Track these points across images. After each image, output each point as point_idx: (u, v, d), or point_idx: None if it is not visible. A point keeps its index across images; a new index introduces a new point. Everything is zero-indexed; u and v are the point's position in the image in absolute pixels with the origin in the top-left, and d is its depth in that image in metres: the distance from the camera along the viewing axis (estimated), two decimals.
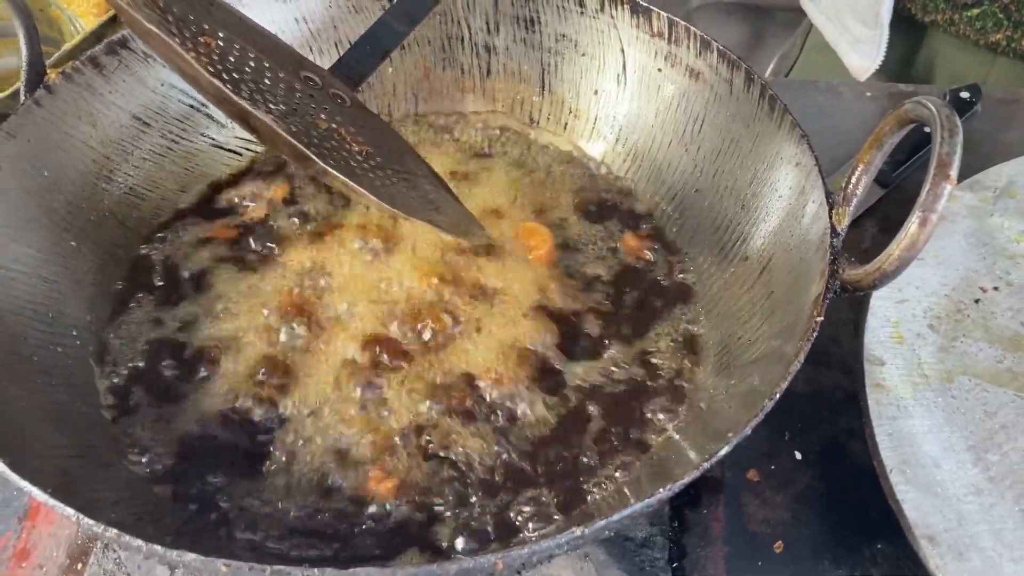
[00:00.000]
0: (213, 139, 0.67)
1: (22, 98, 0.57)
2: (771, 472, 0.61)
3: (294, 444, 0.52)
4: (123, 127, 0.63)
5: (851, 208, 0.50)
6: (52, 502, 0.38)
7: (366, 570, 0.36)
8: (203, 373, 0.56)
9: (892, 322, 0.59)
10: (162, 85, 0.64)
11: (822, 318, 0.46)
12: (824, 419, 0.63)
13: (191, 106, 0.66)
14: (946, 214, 0.61)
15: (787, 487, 0.60)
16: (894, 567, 0.56)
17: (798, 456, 0.61)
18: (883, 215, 0.75)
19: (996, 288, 0.62)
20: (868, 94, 0.89)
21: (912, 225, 0.42)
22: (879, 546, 0.57)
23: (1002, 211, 0.66)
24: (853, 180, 0.50)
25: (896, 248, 0.43)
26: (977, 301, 0.61)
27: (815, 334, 0.45)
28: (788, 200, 0.55)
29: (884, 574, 0.56)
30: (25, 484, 0.38)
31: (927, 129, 0.45)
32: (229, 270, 0.61)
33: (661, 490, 0.40)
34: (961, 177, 0.68)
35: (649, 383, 0.56)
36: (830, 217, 0.50)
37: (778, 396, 0.42)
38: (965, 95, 0.83)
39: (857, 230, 0.74)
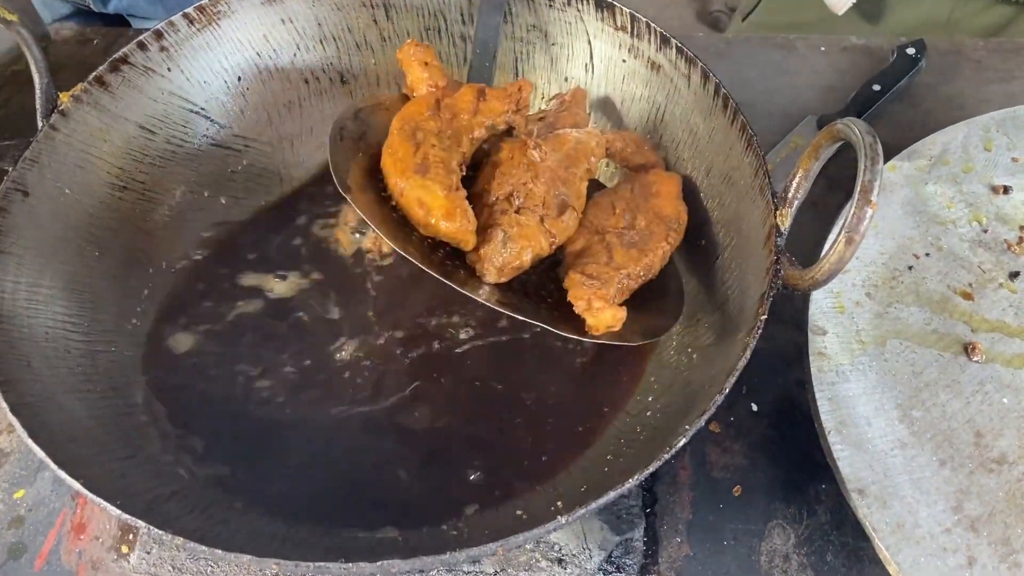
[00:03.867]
0: (213, 139, 0.72)
1: (39, 124, 0.62)
2: (730, 423, 0.69)
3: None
4: (131, 137, 0.68)
5: (792, 210, 0.56)
6: (124, 516, 0.45)
7: (391, 561, 0.44)
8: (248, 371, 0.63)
9: (834, 293, 0.66)
10: (163, 94, 0.69)
11: (766, 316, 0.53)
12: (778, 372, 0.71)
13: (191, 111, 0.71)
14: (885, 185, 0.69)
15: (744, 437, 0.69)
16: (835, 504, 0.65)
17: (754, 408, 0.70)
18: (833, 174, 0.81)
19: (928, 254, 0.69)
20: (822, 48, 0.94)
21: (840, 244, 0.49)
22: (823, 486, 0.66)
23: (936, 179, 0.73)
24: (794, 185, 0.56)
25: (826, 263, 0.50)
26: (910, 268, 0.69)
27: (759, 331, 0.52)
28: (741, 193, 0.62)
29: (826, 510, 0.65)
30: (100, 501, 0.46)
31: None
32: None
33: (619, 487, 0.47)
34: (900, 146, 0.76)
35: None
36: (775, 216, 0.57)
37: (720, 398, 0.49)
38: (911, 51, 0.88)
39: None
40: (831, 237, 0.67)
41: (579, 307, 0.58)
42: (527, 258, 0.60)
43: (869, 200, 0.48)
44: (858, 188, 0.49)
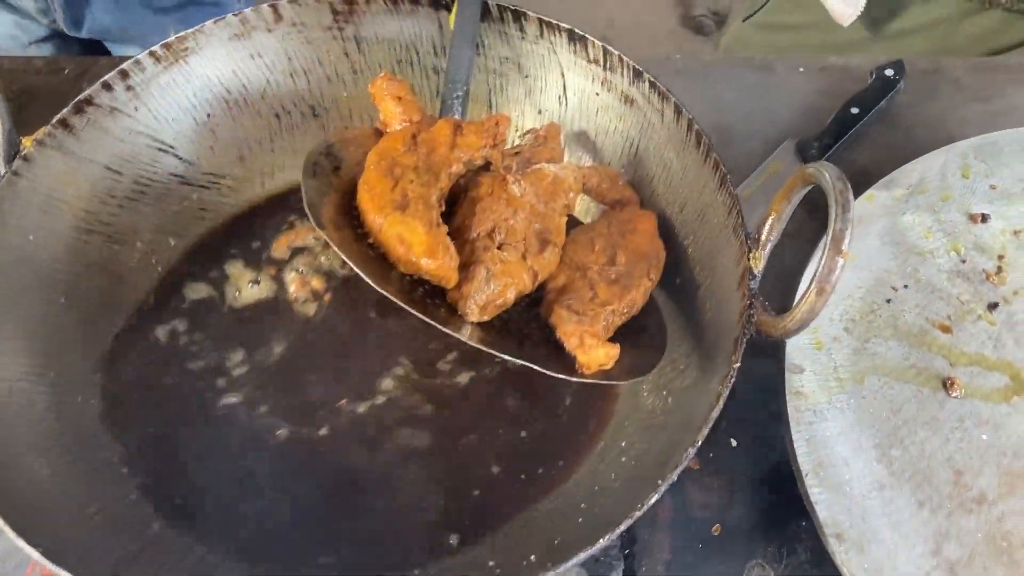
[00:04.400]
0: (182, 176, 0.71)
1: (1, 170, 0.61)
2: (710, 460, 0.68)
3: None
4: (98, 179, 0.66)
5: (766, 252, 0.56)
6: None
7: None
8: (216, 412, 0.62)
9: (812, 329, 0.65)
10: (130, 133, 0.68)
11: (739, 364, 0.52)
12: (758, 405, 0.70)
13: (159, 149, 0.70)
14: (863, 216, 0.68)
15: (724, 473, 0.68)
16: (815, 542, 0.64)
17: (734, 443, 0.69)
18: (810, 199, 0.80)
19: (906, 286, 0.69)
20: (800, 69, 0.93)
21: (811, 294, 0.48)
22: (803, 523, 0.65)
23: (914, 208, 0.72)
24: (767, 228, 0.55)
25: (798, 313, 0.49)
26: (888, 301, 0.68)
27: (733, 380, 0.52)
28: (715, 231, 0.61)
29: (806, 549, 0.64)
30: (60, 571, 0.45)
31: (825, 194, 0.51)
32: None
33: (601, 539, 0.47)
34: (880, 170, 0.75)
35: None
36: (748, 259, 0.56)
37: (692, 451, 0.49)
38: (889, 72, 0.87)
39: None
40: (802, 286, 0.66)
41: (571, 344, 0.57)
42: (511, 296, 0.59)
43: (840, 250, 0.47)
44: (829, 237, 0.48)
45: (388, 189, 0.58)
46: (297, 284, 0.69)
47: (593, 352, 0.56)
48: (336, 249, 0.56)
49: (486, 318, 0.59)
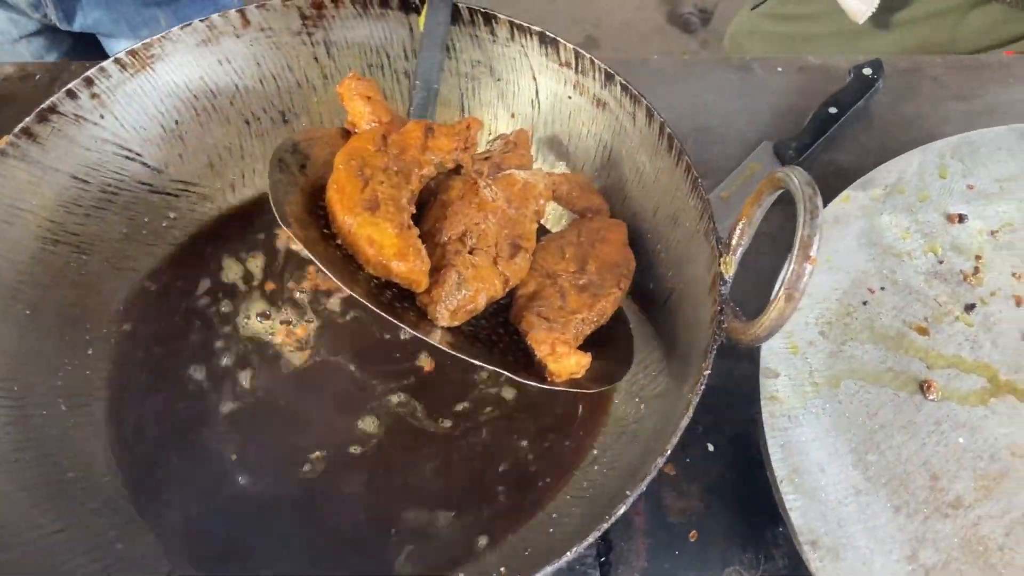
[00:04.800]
0: (150, 185, 0.70)
1: None
2: (686, 465, 0.68)
3: None
4: (64, 189, 0.66)
5: (736, 257, 0.55)
6: None
7: None
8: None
9: (787, 332, 0.65)
10: (96, 141, 0.67)
11: (709, 371, 0.52)
12: (733, 409, 0.69)
13: (126, 157, 0.69)
14: (840, 217, 0.67)
15: (700, 479, 0.67)
16: (791, 548, 0.63)
17: (710, 448, 0.68)
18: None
19: (883, 288, 0.68)
20: (779, 69, 0.93)
21: (780, 301, 0.48)
22: (779, 529, 0.64)
23: (891, 209, 0.72)
24: (737, 233, 0.55)
25: (766, 319, 0.49)
26: (865, 303, 0.67)
27: (703, 387, 0.51)
28: (688, 235, 0.60)
29: (783, 555, 0.64)
30: None
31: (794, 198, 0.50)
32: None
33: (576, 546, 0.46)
34: (859, 170, 0.74)
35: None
36: (719, 264, 0.55)
37: (662, 461, 0.48)
38: (867, 71, 0.87)
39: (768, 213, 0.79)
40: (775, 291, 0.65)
41: (542, 351, 0.56)
42: (482, 301, 0.58)
43: (808, 256, 0.47)
44: (797, 244, 0.47)
45: (358, 190, 0.57)
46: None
47: (564, 360, 0.55)
48: (302, 247, 0.54)
49: (456, 323, 0.58)
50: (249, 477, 0.60)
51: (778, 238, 0.75)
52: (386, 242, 0.56)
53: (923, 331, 0.66)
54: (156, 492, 0.59)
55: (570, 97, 0.69)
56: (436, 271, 0.58)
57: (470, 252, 0.59)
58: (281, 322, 0.68)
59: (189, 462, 0.61)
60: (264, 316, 0.68)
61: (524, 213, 0.62)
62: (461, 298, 0.57)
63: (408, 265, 0.56)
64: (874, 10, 1.01)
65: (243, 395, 0.64)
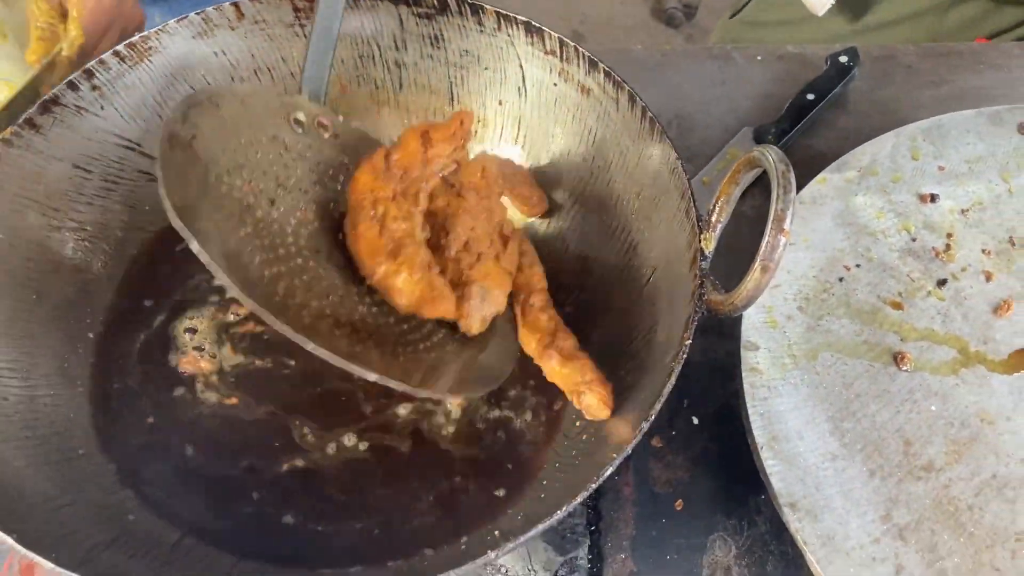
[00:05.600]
0: (150, 174, 0.72)
1: None
2: (672, 438, 0.71)
3: None
4: (66, 178, 0.68)
5: (716, 234, 0.58)
6: (59, 570, 0.46)
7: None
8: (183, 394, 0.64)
9: (766, 308, 0.68)
10: (97, 132, 0.69)
11: (691, 340, 0.54)
12: (717, 384, 0.72)
13: (127, 147, 0.71)
14: (816, 198, 0.70)
15: (686, 450, 0.70)
16: (773, 514, 0.66)
17: (695, 421, 0.71)
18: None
19: (858, 265, 0.71)
20: (758, 58, 0.95)
21: (755, 272, 0.50)
22: (762, 497, 0.67)
23: (865, 190, 0.74)
24: (716, 210, 0.57)
25: (743, 290, 0.51)
26: (841, 280, 0.70)
27: (684, 356, 0.54)
28: (669, 215, 0.63)
29: (765, 520, 0.66)
30: (34, 556, 0.46)
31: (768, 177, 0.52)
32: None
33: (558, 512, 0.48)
34: (837, 154, 0.77)
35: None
36: (699, 240, 0.58)
37: (646, 426, 0.51)
38: (843, 59, 0.90)
39: (750, 199, 0.82)
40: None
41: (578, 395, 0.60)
42: (503, 300, 0.61)
43: (782, 229, 0.49)
44: (772, 217, 0.50)
45: (376, 235, 0.58)
46: None
47: (594, 400, 0.59)
48: (205, 261, 0.48)
49: (484, 328, 0.61)
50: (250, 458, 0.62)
51: (760, 220, 0.78)
52: (415, 292, 0.58)
53: (897, 305, 0.69)
54: (161, 466, 0.61)
55: (556, 84, 0.71)
56: (456, 285, 0.60)
57: (478, 259, 0.61)
58: None
59: (195, 437, 0.63)
60: None
61: (492, 200, 0.64)
62: (487, 309, 0.60)
63: (438, 308, 0.58)
64: (833, 2, 1.03)
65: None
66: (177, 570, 0.55)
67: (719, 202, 0.57)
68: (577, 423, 0.63)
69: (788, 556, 0.65)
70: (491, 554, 0.47)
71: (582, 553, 0.65)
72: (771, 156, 0.52)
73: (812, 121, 0.87)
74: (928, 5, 1.10)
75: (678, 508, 0.67)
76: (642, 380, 0.59)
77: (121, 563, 0.53)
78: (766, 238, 0.50)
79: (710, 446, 0.70)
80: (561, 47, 0.69)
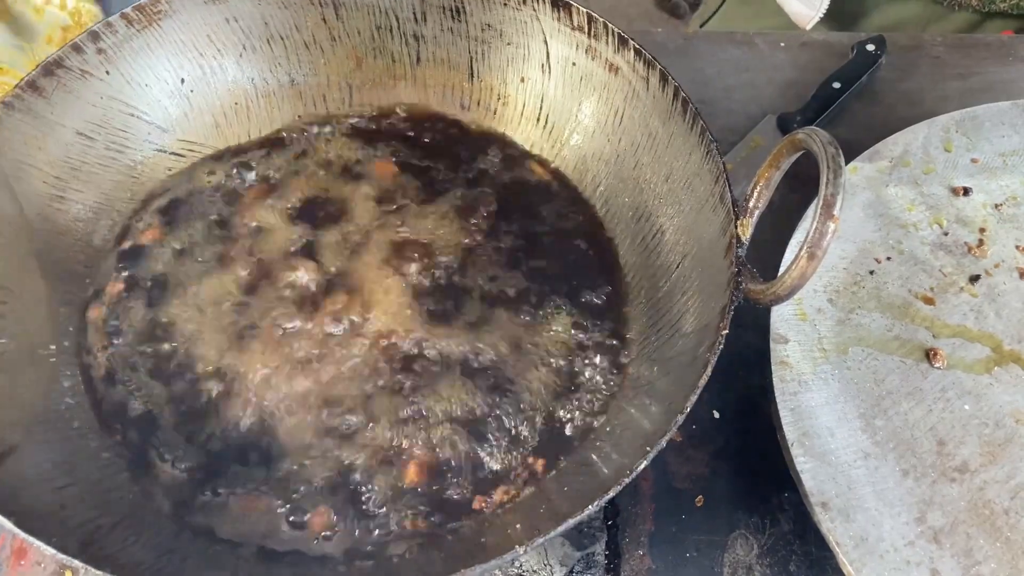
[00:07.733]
0: (156, 144, 0.69)
1: None
2: (692, 432, 0.68)
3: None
4: (69, 144, 0.65)
5: (754, 220, 0.55)
6: (59, 556, 0.43)
7: None
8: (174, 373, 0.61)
9: (796, 300, 0.65)
10: (101, 98, 0.66)
11: (727, 330, 0.52)
12: (739, 377, 0.70)
13: (131, 115, 0.68)
14: (847, 187, 0.68)
15: (706, 445, 0.68)
16: (797, 513, 0.64)
17: (716, 415, 0.69)
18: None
19: (889, 258, 0.69)
20: (782, 44, 0.93)
21: (802, 259, 0.48)
22: (785, 495, 0.65)
23: (897, 181, 0.72)
24: (755, 195, 0.55)
25: (788, 279, 0.49)
26: (872, 272, 0.68)
27: (721, 346, 0.51)
28: (701, 201, 0.60)
29: (789, 519, 0.64)
30: (33, 540, 0.44)
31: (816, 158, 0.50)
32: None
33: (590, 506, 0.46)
34: (861, 144, 0.75)
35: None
36: (735, 227, 0.55)
37: (681, 418, 0.48)
38: (871, 47, 0.87)
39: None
40: (790, 251, 0.65)
41: None
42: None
43: (831, 215, 0.47)
44: (820, 202, 0.47)
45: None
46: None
47: None
48: None
49: None
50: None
51: (780, 208, 0.75)
52: None
53: (929, 301, 0.67)
54: (164, 448, 0.58)
55: (581, 62, 0.68)
56: None
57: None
58: None
59: (197, 416, 0.60)
60: None
61: None
62: None
63: None
64: (820, 16, 1.00)
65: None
66: (180, 556, 0.53)
67: (759, 187, 0.54)
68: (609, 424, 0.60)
69: (812, 556, 0.62)
70: (519, 549, 0.44)
71: (599, 549, 0.63)
72: (819, 139, 0.49)
73: (838, 110, 0.85)
74: (915, 19, 1.07)
75: (698, 504, 0.65)
76: (673, 371, 0.57)
77: (125, 547, 0.50)
78: (814, 223, 0.47)
79: (732, 441, 0.68)
80: (589, 23, 0.66)
